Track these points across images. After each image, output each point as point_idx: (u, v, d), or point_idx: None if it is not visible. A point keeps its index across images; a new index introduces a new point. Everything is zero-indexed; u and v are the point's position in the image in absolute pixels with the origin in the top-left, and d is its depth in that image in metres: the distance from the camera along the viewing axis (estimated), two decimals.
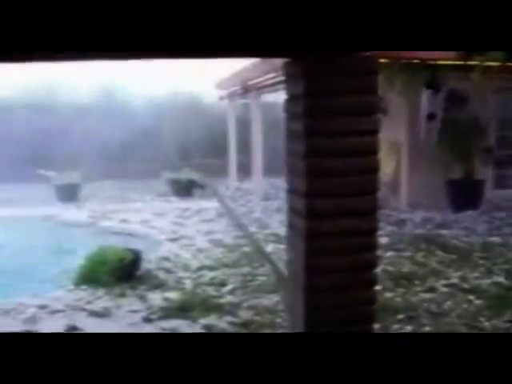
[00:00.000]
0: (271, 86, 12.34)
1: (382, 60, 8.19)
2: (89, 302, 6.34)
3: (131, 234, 10.56)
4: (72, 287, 6.97)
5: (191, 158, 16.95)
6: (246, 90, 13.58)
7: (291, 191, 3.66)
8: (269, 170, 13.51)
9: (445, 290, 6.50)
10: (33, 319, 5.87)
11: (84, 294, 6.67)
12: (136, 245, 7.86)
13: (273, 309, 5.93)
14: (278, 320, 5.56)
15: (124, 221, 11.77)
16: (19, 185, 16.03)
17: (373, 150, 3.42)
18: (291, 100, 3.62)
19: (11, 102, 17.74)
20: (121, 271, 6.93)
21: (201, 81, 17.45)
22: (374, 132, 3.42)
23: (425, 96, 10.57)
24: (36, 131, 16.79)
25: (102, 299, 6.43)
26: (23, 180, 16.03)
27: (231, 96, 15.73)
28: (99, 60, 2.72)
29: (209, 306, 6.03)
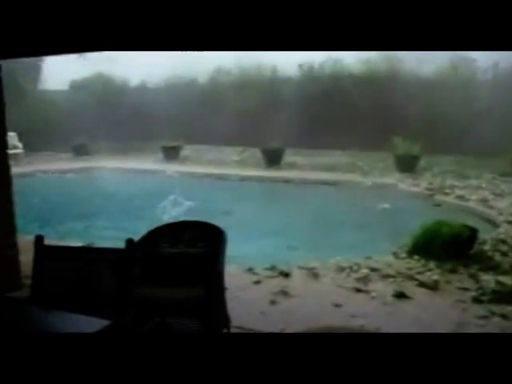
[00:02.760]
0: None
1: None
2: (419, 273, 6.43)
3: (467, 212, 10.35)
4: (404, 255, 7.15)
5: None
6: None
7: None
8: None
9: None
10: (364, 279, 6.20)
11: (416, 263, 6.78)
12: (471, 223, 7.66)
13: None
14: None
15: (461, 197, 11.58)
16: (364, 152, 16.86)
17: None
18: None
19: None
20: (455, 247, 6.85)
21: None
22: None
23: None
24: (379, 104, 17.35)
25: (432, 272, 6.46)
26: (369, 148, 16.76)
27: None
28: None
29: None
